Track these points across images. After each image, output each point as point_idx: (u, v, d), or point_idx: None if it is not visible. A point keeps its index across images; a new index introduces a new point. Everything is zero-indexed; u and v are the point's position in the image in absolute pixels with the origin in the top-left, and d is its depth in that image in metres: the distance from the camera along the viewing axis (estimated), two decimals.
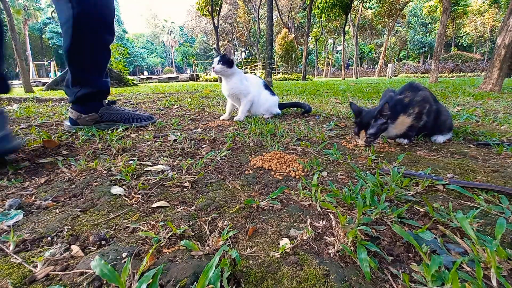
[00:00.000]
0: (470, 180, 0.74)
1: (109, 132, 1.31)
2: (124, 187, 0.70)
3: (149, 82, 13.78)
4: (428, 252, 0.43)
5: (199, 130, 1.43)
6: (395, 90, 1.19)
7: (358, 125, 1.10)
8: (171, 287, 0.38)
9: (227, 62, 1.62)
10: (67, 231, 0.50)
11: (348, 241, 0.46)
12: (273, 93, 1.88)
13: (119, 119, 1.45)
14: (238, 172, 0.83)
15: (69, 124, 1.38)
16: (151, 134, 1.27)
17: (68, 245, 0.46)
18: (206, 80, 14.66)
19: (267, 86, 1.86)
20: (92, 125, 1.37)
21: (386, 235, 0.50)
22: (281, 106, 2.02)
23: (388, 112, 1.04)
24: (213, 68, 1.64)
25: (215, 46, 14.61)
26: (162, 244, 0.47)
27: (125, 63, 12.01)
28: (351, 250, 0.44)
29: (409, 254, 0.45)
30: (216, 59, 1.63)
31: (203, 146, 1.10)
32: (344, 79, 15.35)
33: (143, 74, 25.60)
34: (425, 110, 1.10)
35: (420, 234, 0.48)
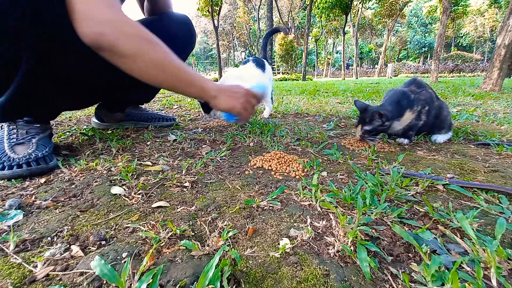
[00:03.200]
0: (470, 180, 0.74)
1: (109, 132, 1.31)
2: (124, 187, 0.70)
3: None
4: (428, 252, 0.43)
5: (199, 130, 1.43)
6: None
7: (359, 119, 1.14)
8: (171, 287, 0.38)
9: None
10: (67, 231, 0.50)
11: (348, 241, 0.46)
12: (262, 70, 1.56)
13: (144, 119, 1.48)
14: (238, 172, 0.83)
15: (95, 120, 1.41)
16: (151, 134, 1.27)
17: (68, 245, 0.46)
18: None
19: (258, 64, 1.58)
20: (118, 123, 1.40)
21: (386, 235, 0.50)
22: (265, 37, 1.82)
23: (381, 118, 1.06)
24: None
25: (215, 45, 14.58)
26: (162, 244, 0.47)
27: None
28: (351, 250, 0.44)
29: (409, 254, 0.45)
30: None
31: (203, 146, 1.10)
32: (344, 79, 15.35)
33: None
34: (425, 110, 1.11)
35: (420, 234, 0.48)
